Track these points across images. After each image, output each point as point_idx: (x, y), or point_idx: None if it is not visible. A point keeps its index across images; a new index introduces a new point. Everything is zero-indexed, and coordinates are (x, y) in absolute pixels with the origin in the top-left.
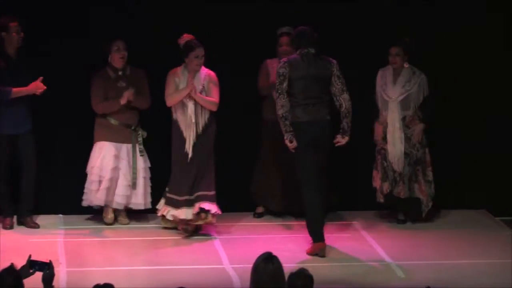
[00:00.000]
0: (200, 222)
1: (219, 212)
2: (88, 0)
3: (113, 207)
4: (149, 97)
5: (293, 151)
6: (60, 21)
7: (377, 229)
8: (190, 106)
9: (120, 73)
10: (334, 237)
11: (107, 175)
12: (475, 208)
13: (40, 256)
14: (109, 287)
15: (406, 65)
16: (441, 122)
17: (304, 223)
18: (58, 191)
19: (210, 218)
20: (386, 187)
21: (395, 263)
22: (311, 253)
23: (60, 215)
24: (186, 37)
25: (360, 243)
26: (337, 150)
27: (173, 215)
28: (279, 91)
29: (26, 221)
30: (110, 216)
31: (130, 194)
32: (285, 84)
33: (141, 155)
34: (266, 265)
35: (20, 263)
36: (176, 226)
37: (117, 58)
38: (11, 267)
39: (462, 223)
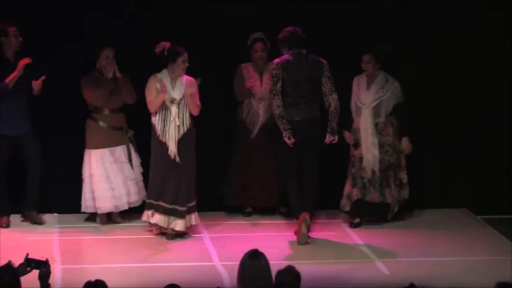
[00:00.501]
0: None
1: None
2: (84, 6)
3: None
4: (134, 94)
5: (291, 146)
6: (57, 26)
7: (362, 228)
8: (174, 109)
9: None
10: (320, 235)
11: (119, 181)
12: (457, 207)
13: (36, 254)
14: (100, 283)
15: (376, 72)
16: (422, 123)
17: (292, 221)
18: (54, 191)
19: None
20: (355, 193)
21: (380, 260)
22: (299, 237)
23: (55, 214)
24: (165, 44)
25: (346, 241)
26: (327, 149)
27: (153, 221)
28: (274, 92)
29: (31, 215)
30: (104, 217)
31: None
32: (279, 85)
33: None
34: (252, 262)
35: (17, 261)
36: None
37: (104, 65)
38: (9, 264)
39: (444, 221)
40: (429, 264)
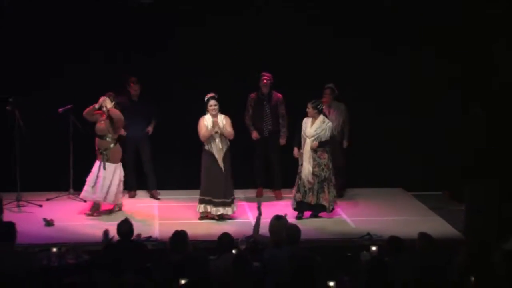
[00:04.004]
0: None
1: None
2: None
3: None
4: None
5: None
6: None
7: (339, 200)
8: (217, 138)
9: (104, 109)
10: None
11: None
12: (394, 187)
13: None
14: (183, 232)
15: (317, 116)
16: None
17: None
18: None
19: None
20: (298, 196)
21: (350, 218)
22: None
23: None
24: (208, 95)
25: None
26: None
27: (210, 212)
28: None
29: (152, 193)
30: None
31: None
32: None
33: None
34: (278, 221)
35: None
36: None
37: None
38: (127, 219)
39: (387, 195)
40: (377, 221)
